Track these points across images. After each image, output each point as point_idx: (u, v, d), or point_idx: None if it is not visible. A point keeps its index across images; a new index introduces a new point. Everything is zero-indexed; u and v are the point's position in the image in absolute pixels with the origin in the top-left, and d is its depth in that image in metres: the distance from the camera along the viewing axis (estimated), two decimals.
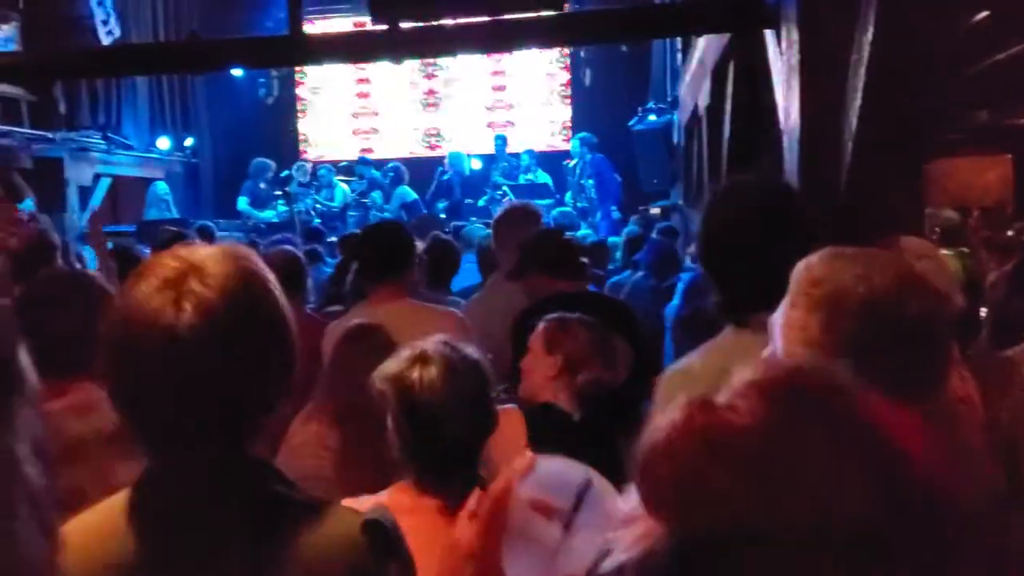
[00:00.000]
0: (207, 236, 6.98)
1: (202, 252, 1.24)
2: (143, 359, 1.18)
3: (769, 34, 4.30)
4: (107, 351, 1.23)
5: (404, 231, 3.56)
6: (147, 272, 1.21)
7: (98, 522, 1.25)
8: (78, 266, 4.95)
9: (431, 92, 14.24)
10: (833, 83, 3.22)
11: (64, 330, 1.99)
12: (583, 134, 11.27)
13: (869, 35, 2.93)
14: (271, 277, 1.29)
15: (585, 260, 3.99)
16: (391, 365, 1.90)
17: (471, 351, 1.95)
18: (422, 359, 1.87)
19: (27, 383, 0.77)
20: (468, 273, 4.98)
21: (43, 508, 0.77)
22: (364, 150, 13.71)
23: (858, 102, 3.04)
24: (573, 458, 1.14)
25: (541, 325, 2.67)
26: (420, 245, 3.73)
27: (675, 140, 9.81)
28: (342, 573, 1.25)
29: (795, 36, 3.56)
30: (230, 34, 9.96)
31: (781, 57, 3.87)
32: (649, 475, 0.73)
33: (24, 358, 0.78)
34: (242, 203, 11.47)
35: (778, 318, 1.37)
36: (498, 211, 4.34)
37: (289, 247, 4.72)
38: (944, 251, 4.44)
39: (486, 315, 3.63)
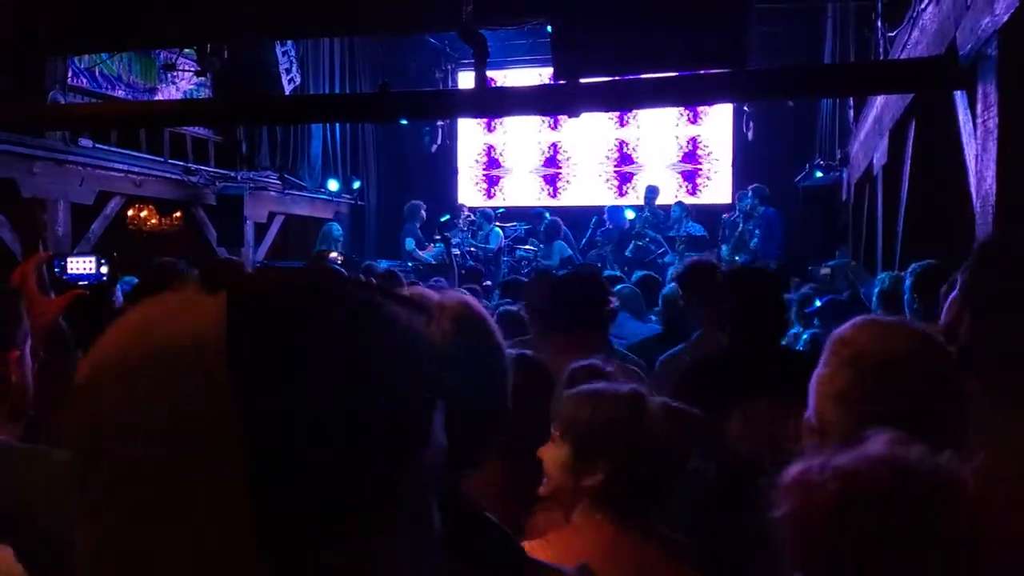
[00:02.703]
0: (375, 275, 7.21)
1: (434, 294, 1.30)
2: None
3: (959, 95, 4.19)
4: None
5: (603, 282, 3.44)
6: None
7: None
8: None
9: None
10: None
11: None
12: (755, 185, 11.09)
13: None
14: (495, 326, 1.32)
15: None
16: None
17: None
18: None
19: None
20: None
21: None
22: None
23: None
24: None
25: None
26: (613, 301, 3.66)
27: (843, 198, 9.56)
28: None
29: (993, 99, 3.46)
30: (401, 84, 10.38)
31: (975, 119, 3.76)
32: None
33: None
34: (409, 244, 11.94)
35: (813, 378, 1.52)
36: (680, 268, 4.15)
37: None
38: None
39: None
